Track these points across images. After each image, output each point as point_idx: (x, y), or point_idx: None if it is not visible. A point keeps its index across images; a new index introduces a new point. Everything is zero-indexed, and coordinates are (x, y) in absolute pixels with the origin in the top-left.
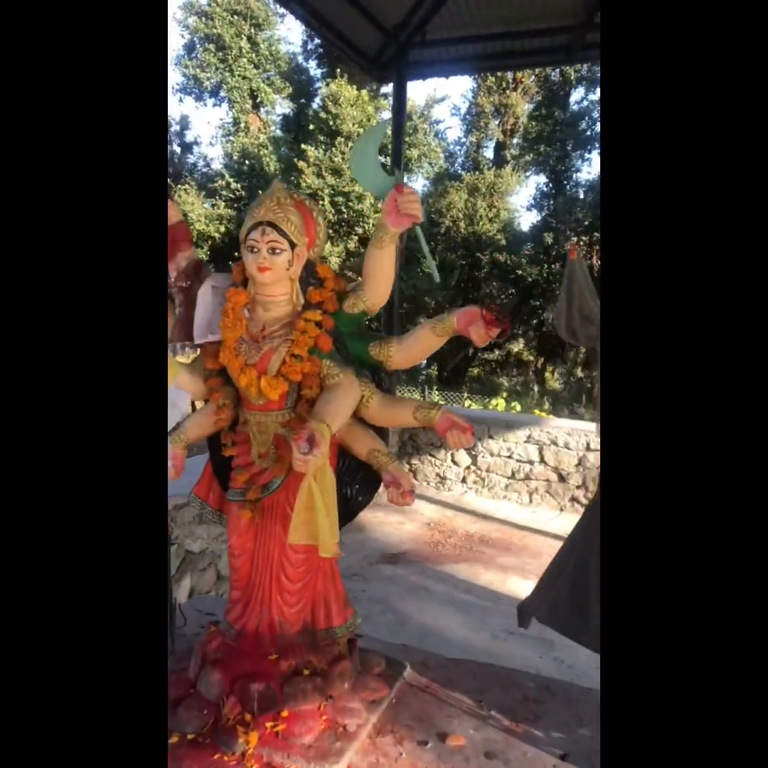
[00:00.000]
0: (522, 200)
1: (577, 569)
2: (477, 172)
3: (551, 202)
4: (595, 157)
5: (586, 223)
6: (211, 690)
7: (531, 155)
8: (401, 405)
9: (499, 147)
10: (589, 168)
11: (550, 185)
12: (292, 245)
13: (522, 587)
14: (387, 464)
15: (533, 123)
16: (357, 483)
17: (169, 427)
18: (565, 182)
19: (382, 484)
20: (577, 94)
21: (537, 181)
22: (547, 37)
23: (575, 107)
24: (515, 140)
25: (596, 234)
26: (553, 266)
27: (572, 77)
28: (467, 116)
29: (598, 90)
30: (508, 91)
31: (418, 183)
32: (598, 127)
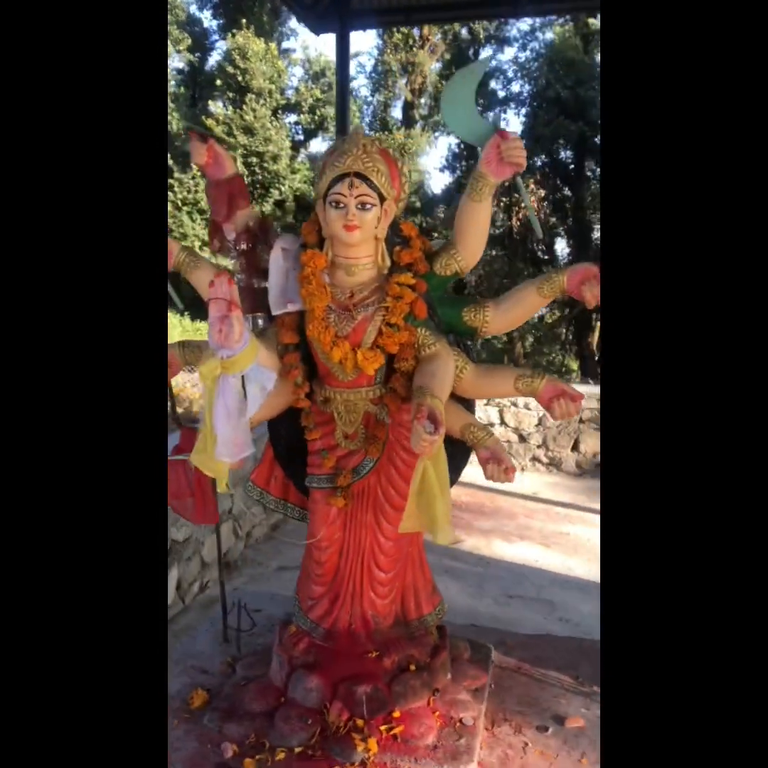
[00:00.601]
0: (434, 161)
1: None
2: (386, 133)
3: (463, 163)
4: (511, 117)
5: (505, 183)
6: (310, 697)
7: (440, 115)
8: (499, 374)
9: (407, 107)
10: (507, 127)
11: (462, 146)
12: (382, 199)
13: (508, 550)
14: (484, 439)
15: (443, 82)
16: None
17: (253, 409)
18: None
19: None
20: (485, 53)
21: (448, 141)
22: None
23: None
24: (423, 100)
25: (516, 194)
26: None
27: (481, 36)
28: (373, 74)
29: (508, 48)
30: (415, 49)
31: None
32: (514, 87)
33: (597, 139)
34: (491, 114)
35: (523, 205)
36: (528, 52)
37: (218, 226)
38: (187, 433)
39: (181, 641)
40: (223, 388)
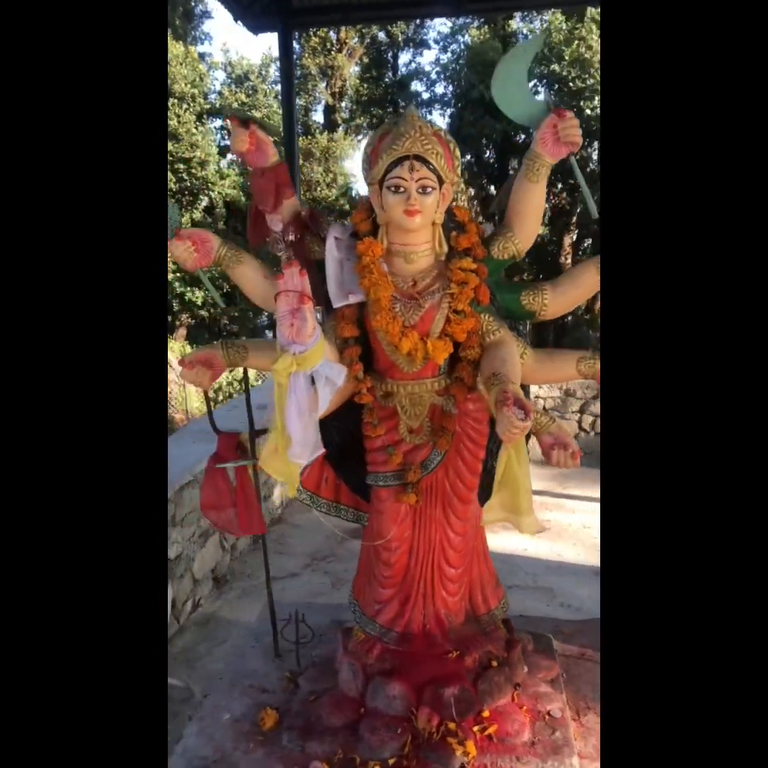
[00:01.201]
0: (358, 165)
1: None
2: (310, 137)
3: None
4: (436, 117)
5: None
6: (394, 704)
7: (363, 118)
8: (561, 358)
9: (329, 110)
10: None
11: None
12: (441, 182)
13: (496, 541)
14: (548, 425)
15: (364, 85)
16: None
17: (324, 407)
18: None
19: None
20: (405, 57)
21: None
22: None
23: (404, 70)
24: (344, 103)
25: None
26: None
27: (399, 39)
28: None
29: (427, 52)
30: (333, 52)
31: None
32: (437, 89)
33: (520, 138)
34: (543, 93)
35: (578, 187)
36: (449, 54)
37: (260, 219)
38: (225, 440)
39: (229, 661)
40: (294, 386)
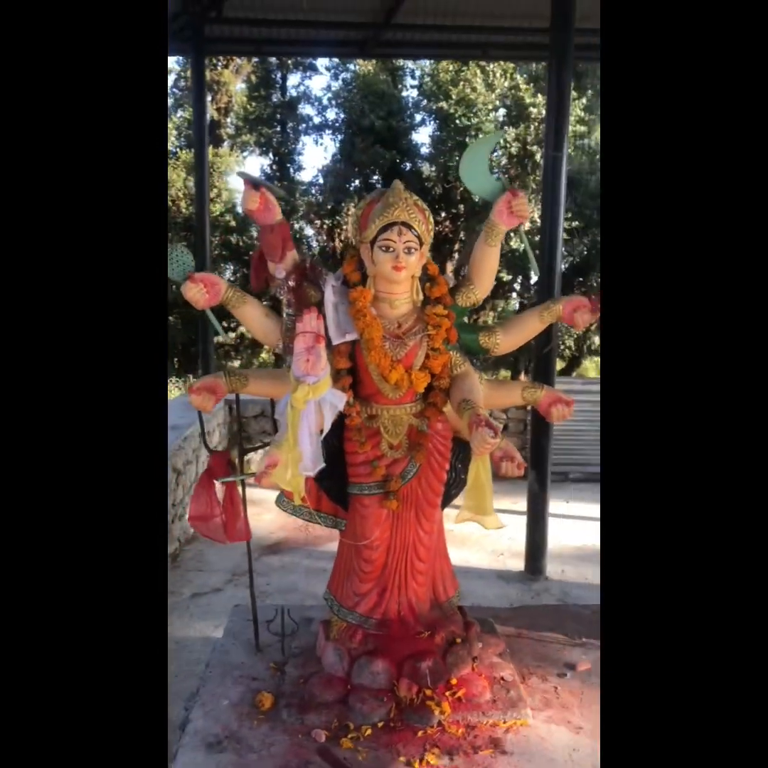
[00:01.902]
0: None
1: None
2: (191, 150)
3: (276, 183)
4: (327, 142)
5: (329, 206)
6: (378, 678)
7: (250, 136)
8: (509, 387)
9: (214, 126)
10: (325, 153)
11: (274, 167)
12: (421, 244)
13: None
14: (498, 442)
15: (252, 103)
16: (460, 463)
17: (328, 427)
18: (289, 165)
19: None
20: (294, 79)
21: (261, 162)
22: (342, 30)
23: (293, 92)
24: (229, 119)
25: (337, 217)
26: None
27: (289, 61)
28: (175, 91)
29: (316, 76)
30: (219, 68)
31: None
32: (329, 114)
33: (405, 166)
34: (496, 176)
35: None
36: (339, 82)
37: (262, 266)
38: (217, 457)
39: (214, 657)
40: (308, 410)
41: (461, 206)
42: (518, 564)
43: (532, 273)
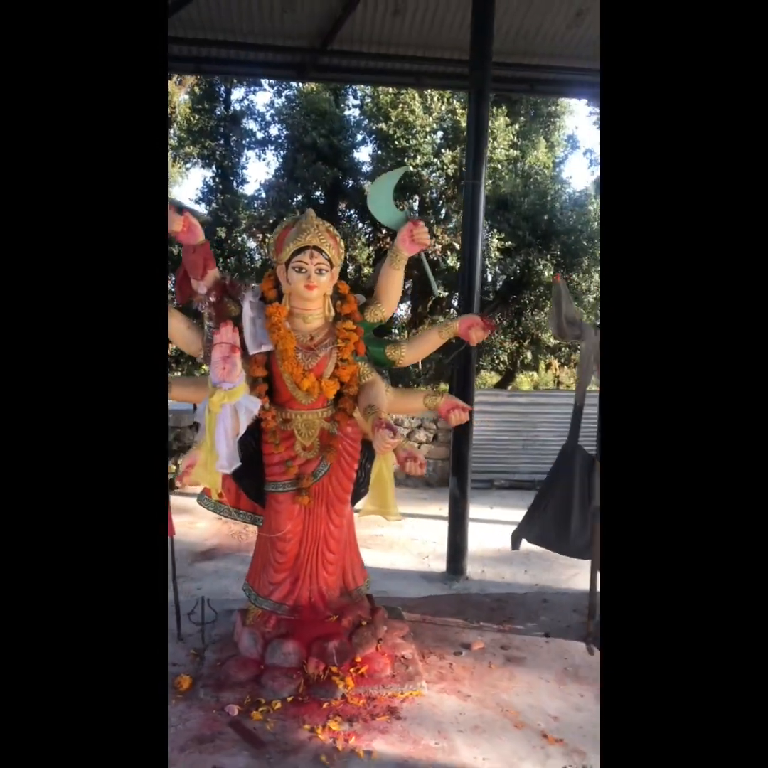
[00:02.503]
0: (188, 193)
1: (559, 500)
2: None
3: (219, 195)
4: (270, 157)
5: (270, 220)
6: (289, 658)
7: (193, 148)
8: (412, 395)
9: None
10: (267, 168)
11: (216, 179)
12: (332, 265)
13: (363, 555)
14: (403, 444)
15: (195, 116)
16: (369, 463)
17: (243, 430)
18: (233, 178)
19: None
20: (238, 93)
21: (202, 174)
22: (281, 54)
23: (236, 106)
24: (172, 131)
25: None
26: (228, 260)
27: (233, 78)
28: None
29: (260, 92)
30: None
31: None
32: (272, 130)
33: (348, 183)
34: (402, 209)
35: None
36: (283, 99)
37: (186, 281)
38: None
39: None
40: (223, 414)
41: None
42: (441, 566)
43: (434, 292)
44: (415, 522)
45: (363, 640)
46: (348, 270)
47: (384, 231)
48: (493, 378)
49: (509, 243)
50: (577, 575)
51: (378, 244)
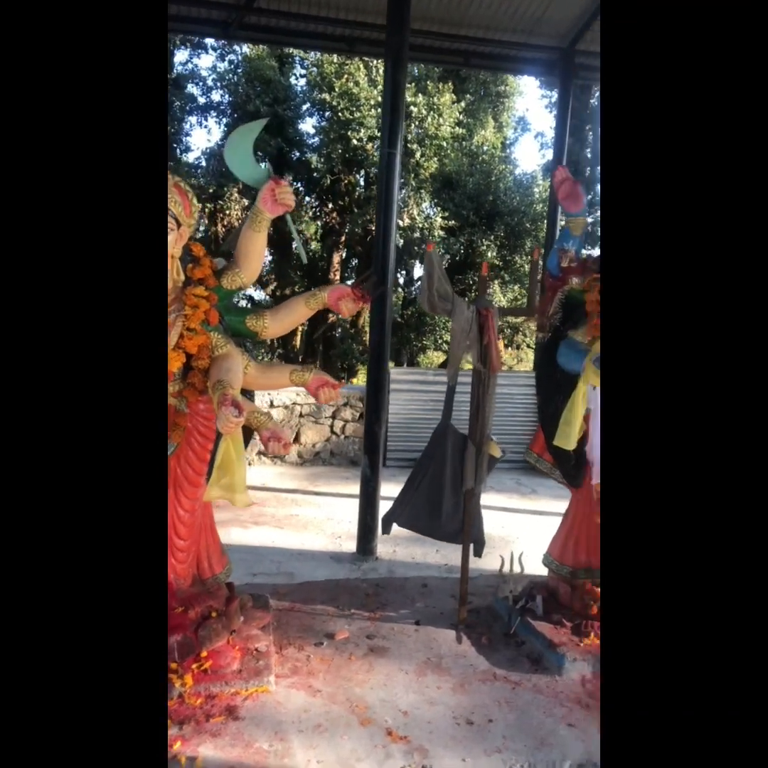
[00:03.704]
0: None
1: (431, 482)
2: None
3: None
4: (212, 124)
5: (211, 190)
6: None
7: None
8: (278, 370)
9: None
10: (209, 136)
11: None
12: (179, 225)
13: (245, 536)
14: (266, 423)
15: None
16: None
17: None
18: (176, 146)
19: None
20: (181, 55)
21: None
22: (205, 9)
23: (179, 68)
24: None
25: (220, 201)
26: None
27: (176, 38)
28: None
29: (205, 56)
30: None
31: None
32: (214, 96)
33: (295, 154)
34: (264, 164)
35: (290, 235)
36: (226, 64)
37: None
38: None
39: None
40: None
41: (347, 198)
42: (353, 546)
43: (302, 257)
44: (335, 501)
45: (211, 633)
46: (293, 245)
47: (331, 205)
48: (440, 357)
49: (453, 222)
50: (488, 554)
51: (325, 219)
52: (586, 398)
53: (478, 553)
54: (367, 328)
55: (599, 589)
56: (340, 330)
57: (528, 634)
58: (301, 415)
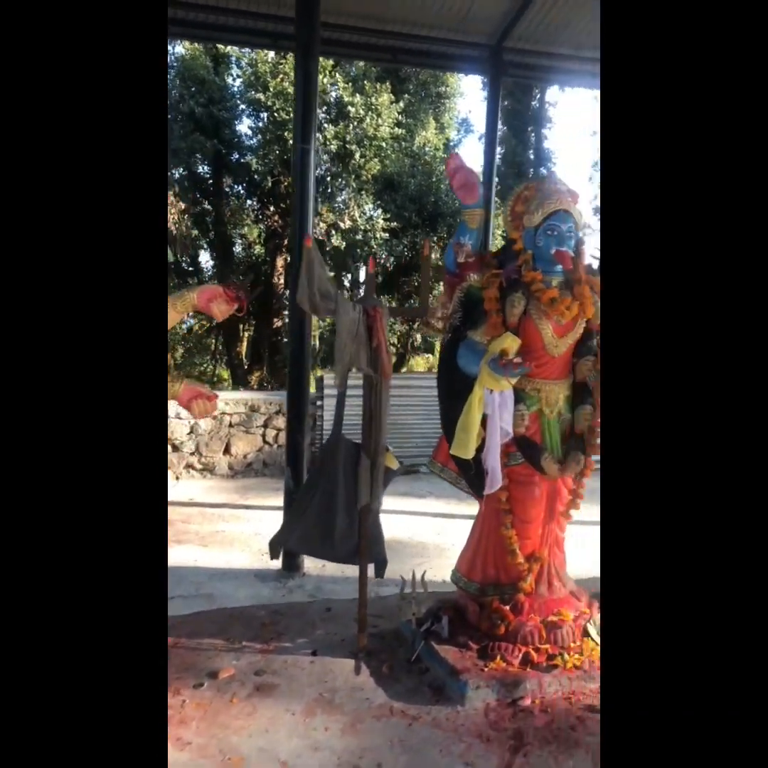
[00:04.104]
0: None
1: (322, 500)
2: None
3: None
4: None
5: None
6: None
7: None
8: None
9: None
10: None
11: None
12: None
13: (195, 554)
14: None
15: None
16: None
17: None
18: None
19: None
20: None
21: None
22: None
23: None
24: None
25: None
26: None
27: None
28: None
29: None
30: None
31: None
32: None
33: (234, 157)
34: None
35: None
36: None
37: None
38: None
39: None
40: None
41: (288, 200)
42: (279, 562)
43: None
44: (264, 515)
45: None
46: (235, 249)
47: (272, 208)
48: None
49: (395, 224)
50: (422, 564)
51: (267, 222)
52: (483, 403)
53: (380, 574)
54: (313, 333)
55: (507, 607)
56: (284, 336)
57: (432, 660)
58: (230, 425)
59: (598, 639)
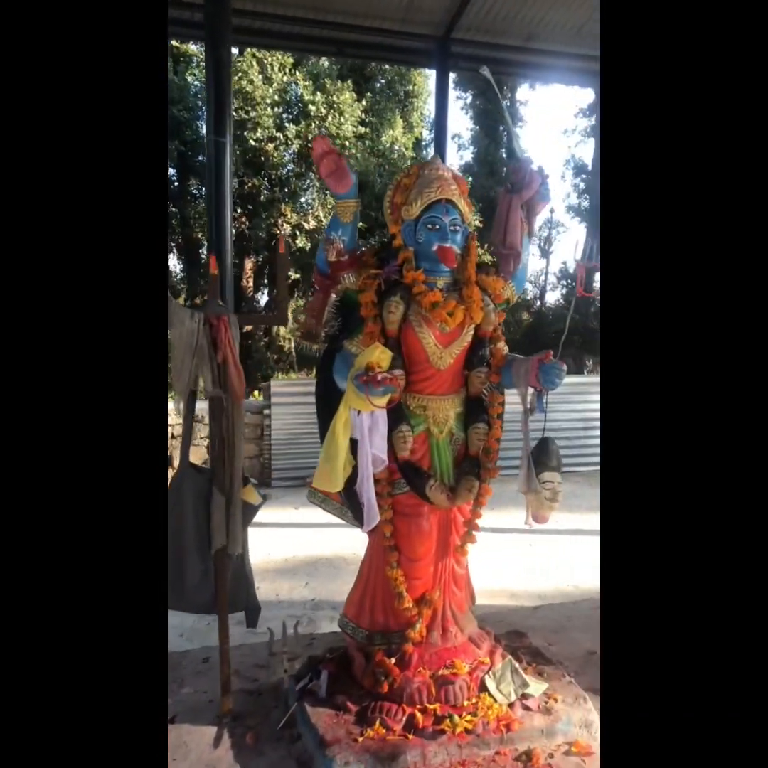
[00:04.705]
0: None
1: (170, 544)
2: None
3: None
4: None
5: None
6: None
7: None
8: None
9: None
10: None
11: None
12: None
13: None
14: None
15: None
16: None
17: None
18: None
19: None
20: None
21: None
22: None
23: None
24: None
25: None
26: None
27: None
28: None
29: None
30: None
31: None
32: None
33: (199, 159)
34: None
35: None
36: None
37: None
38: None
39: None
40: None
41: (253, 202)
42: None
43: None
44: None
45: None
46: (201, 252)
47: (240, 210)
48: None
49: (362, 224)
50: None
51: (235, 225)
52: (351, 426)
53: (252, 623)
54: (283, 337)
55: (393, 659)
56: (252, 340)
57: (304, 726)
58: (172, 437)
59: (497, 695)
